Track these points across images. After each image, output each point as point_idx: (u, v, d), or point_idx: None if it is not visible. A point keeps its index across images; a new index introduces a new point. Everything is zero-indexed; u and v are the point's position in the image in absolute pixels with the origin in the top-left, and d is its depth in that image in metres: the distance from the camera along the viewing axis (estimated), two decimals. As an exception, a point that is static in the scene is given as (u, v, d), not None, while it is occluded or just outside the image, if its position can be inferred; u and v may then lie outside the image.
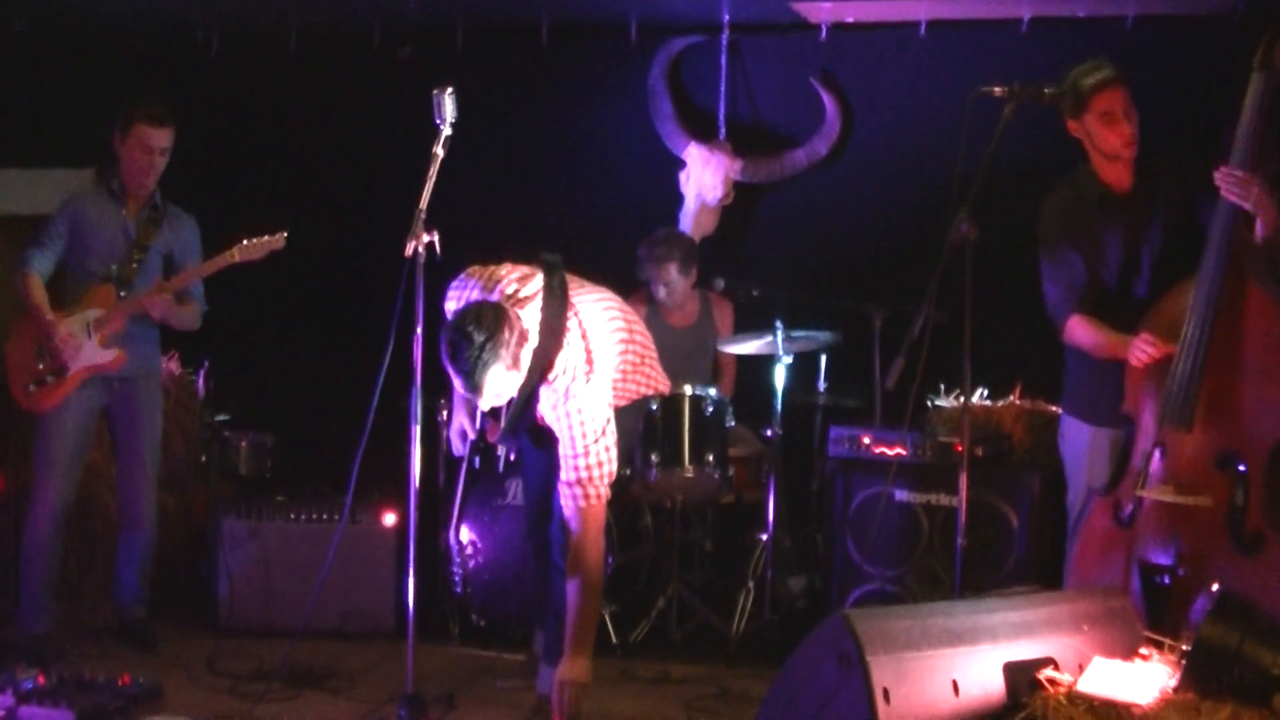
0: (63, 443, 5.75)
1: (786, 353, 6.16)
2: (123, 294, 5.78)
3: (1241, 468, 4.31)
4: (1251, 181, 4.36)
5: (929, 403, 6.28)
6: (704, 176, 7.15)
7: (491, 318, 4.37)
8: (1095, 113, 4.73)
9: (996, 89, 4.61)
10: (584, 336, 4.68)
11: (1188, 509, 4.39)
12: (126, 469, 5.95)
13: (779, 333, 6.10)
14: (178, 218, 6.01)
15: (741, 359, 6.76)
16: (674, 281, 6.57)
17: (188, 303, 5.92)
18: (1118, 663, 3.71)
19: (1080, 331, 4.84)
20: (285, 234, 5.81)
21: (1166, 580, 4.39)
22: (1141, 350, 4.52)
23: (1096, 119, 4.74)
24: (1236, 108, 4.48)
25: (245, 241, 5.77)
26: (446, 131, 4.77)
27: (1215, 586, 4.05)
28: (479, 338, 4.31)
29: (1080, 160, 4.92)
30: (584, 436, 4.65)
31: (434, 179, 4.86)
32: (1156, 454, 4.49)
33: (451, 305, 4.76)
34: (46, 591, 5.77)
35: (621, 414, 5.01)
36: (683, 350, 6.75)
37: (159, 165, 5.87)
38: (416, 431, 4.66)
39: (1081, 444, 4.97)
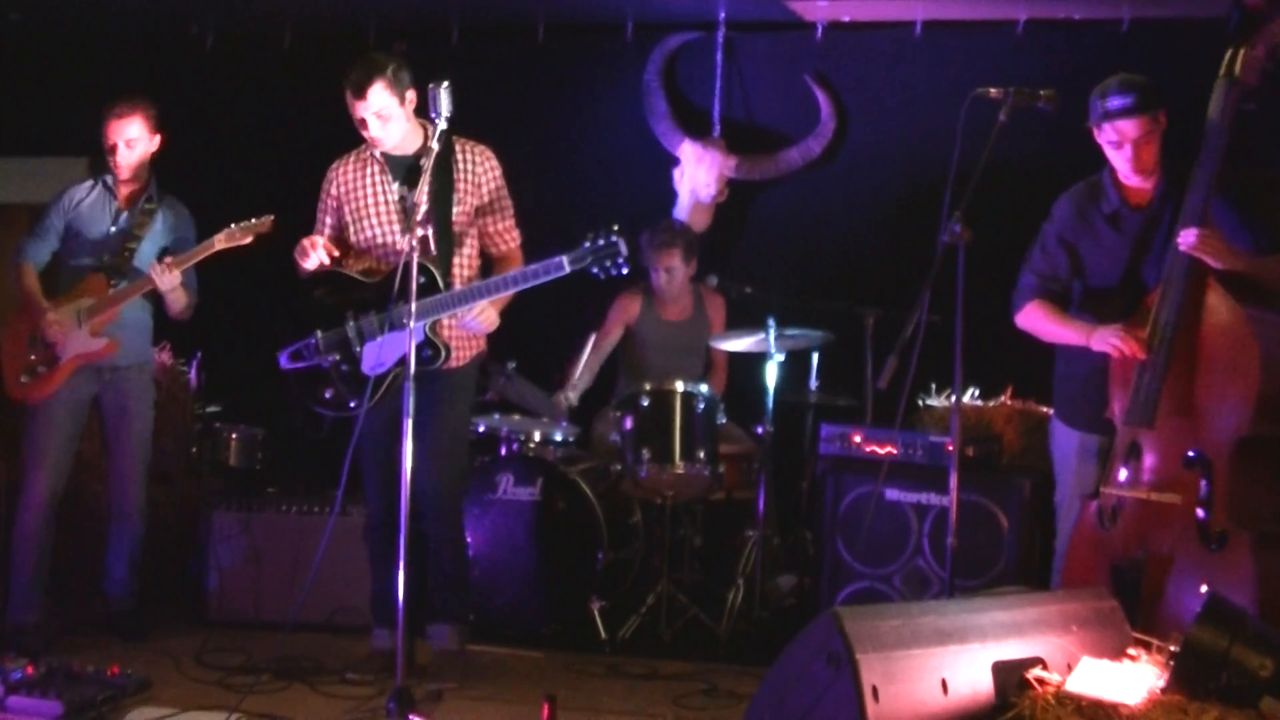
0: (53, 433, 5.75)
1: (779, 350, 6.18)
2: (114, 283, 5.77)
3: (1207, 462, 4.35)
4: (1209, 239, 4.41)
5: (920, 403, 6.30)
6: (698, 174, 7.17)
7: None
8: (1108, 136, 4.72)
9: (993, 91, 4.62)
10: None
11: (1158, 507, 4.44)
12: (116, 460, 5.94)
13: (771, 330, 6.12)
14: (174, 210, 6.01)
15: (733, 356, 6.77)
16: (675, 269, 6.63)
17: (187, 290, 5.89)
18: (1106, 663, 3.72)
19: (1038, 315, 4.89)
20: (272, 217, 5.74)
21: (1136, 577, 4.43)
22: (1109, 343, 4.55)
23: (1109, 143, 4.73)
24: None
25: (231, 227, 5.72)
26: (442, 126, 4.80)
27: (1205, 589, 4.09)
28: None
29: (1106, 164, 4.92)
30: (503, 188, 5.30)
31: (429, 173, 4.89)
32: (1130, 453, 4.54)
33: None
34: (36, 583, 5.76)
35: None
36: (676, 343, 6.80)
37: (129, 155, 5.86)
38: (408, 425, 4.66)
39: (1069, 449, 5.00)
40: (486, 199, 5.27)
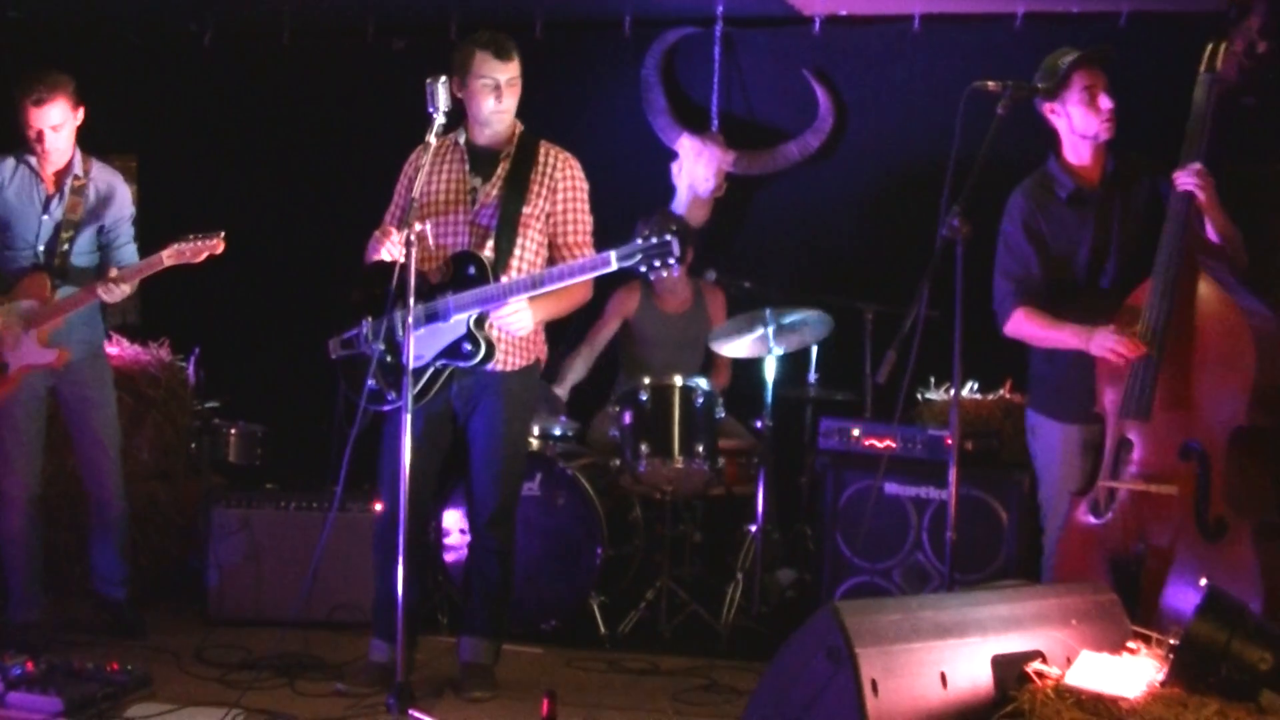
0: (16, 436, 5.64)
1: (777, 343, 6.17)
2: (58, 283, 5.60)
3: (1202, 453, 4.36)
4: (1208, 177, 4.48)
5: (919, 397, 6.30)
6: (696, 168, 7.17)
7: None
8: (1076, 89, 4.77)
9: (990, 84, 4.62)
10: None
11: (1155, 498, 4.45)
12: (84, 450, 5.82)
13: (770, 325, 6.11)
14: (104, 181, 5.77)
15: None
16: None
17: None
18: (1105, 657, 3.72)
19: (1028, 323, 4.88)
20: (223, 234, 5.51)
21: (1135, 570, 4.44)
22: (1109, 349, 4.55)
23: (1077, 95, 4.78)
24: (1185, 109, 4.54)
25: (179, 244, 5.50)
26: (440, 121, 4.80)
27: (1204, 582, 4.09)
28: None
29: (1051, 154, 4.95)
30: (583, 202, 5.20)
31: (427, 169, 4.88)
32: (1125, 446, 4.55)
33: None
34: (32, 581, 5.73)
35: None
36: (676, 337, 6.80)
37: (56, 142, 5.60)
38: (407, 420, 4.66)
39: (1053, 443, 4.98)
40: (560, 206, 5.15)
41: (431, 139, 4.83)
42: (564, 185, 5.16)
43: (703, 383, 6.16)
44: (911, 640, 3.49)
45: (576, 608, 6.03)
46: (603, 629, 5.97)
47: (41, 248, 5.65)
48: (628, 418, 6.13)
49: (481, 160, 5.17)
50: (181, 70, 7.87)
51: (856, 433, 5.74)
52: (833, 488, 5.75)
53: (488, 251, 5.01)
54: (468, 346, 4.94)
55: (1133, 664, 3.73)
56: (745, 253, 7.31)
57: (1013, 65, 4.93)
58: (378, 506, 5.96)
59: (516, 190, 5.10)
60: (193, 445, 6.73)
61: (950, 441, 4.61)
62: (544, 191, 5.13)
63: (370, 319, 5.09)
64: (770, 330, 6.13)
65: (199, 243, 5.48)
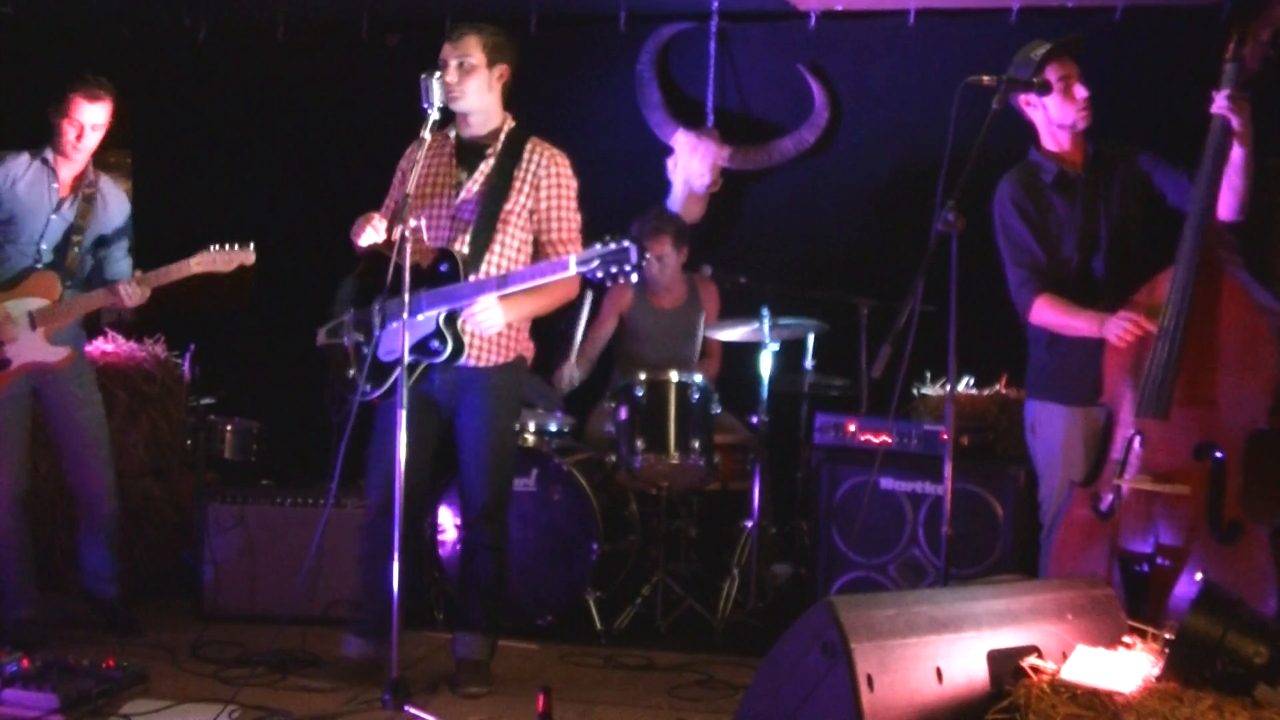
0: (6, 433, 5.59)
1: (773, 339, 6.18)
2: (68, 284, 5.61)
3: (1219, 455, 4.33)
4: (1242, 100, 4.46)
5: (915, 391, 6.30)
6: (691, 164, 7.17)
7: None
8: (1051, 79, 4.80)
9: (985, 79, 4.62)
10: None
11: (1166, 498, 4.41)
12: (71, 448, 5.77)
13: (765, 320, 6.12)
14: (112, 193, 5.80)
15: (728, 346, 6.77)
16: (667, 255, 6.64)
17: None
18: (1101, 651, 3.72)
19: (1049, 311, 4.87)
20: (252, 247, 5.59)
21: (1145, 569, 4.41)
22: (1121, 327, 4.54)
23: (1053, 86, 4.81)
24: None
25: (212, 250, 5.56)
26: (434, 116, 4.79)
27: (1199, 577, 4.08)
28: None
29: (1031, 145, 4.98)
30: (569, 199, 5.13)
31: (421, 164, 4.88)
32: (1135, 443, 4.51)
33: None
34: (24, 577, 5.69)
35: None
36: (671, 331, 6.80)
37: (90, 141, 5.63)
38: (402, 416, 4.66)
39: (1056, 433, 4.96)
40: (543, 204, 5.10)
41: (426, 134, 4.82)
42: (548, 182, 5.11)
43: (698, 378, 6.16)
44: (907, 635, 3.48)
45: (572, 603, 6.03)
46: (599, 624, 5.96)
47: (46, 246, 5.64)
48: (623, 413, 6.13)
49: (468, 154, 5.15)
50: (176, 66, 7.86)
51: (852, 428, 5.74)
52: (828, 483, 5.75)
53: (464, 246, 5.00)
54: (435, 343, 4.95)
55: (1128, 658, 3.73)
56: (741, 248, 7.32)
57: (1007, 60, 4.93)
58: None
59: (499, 186, 5.08)
60: (188, 441, 6.72)
61: (946, 436, 4.61)
62: (526, 188, 5.10)
63: (354, 309, 5.12)
64: (765, 325, 6.13)
65: (230, 252, 5.55)
